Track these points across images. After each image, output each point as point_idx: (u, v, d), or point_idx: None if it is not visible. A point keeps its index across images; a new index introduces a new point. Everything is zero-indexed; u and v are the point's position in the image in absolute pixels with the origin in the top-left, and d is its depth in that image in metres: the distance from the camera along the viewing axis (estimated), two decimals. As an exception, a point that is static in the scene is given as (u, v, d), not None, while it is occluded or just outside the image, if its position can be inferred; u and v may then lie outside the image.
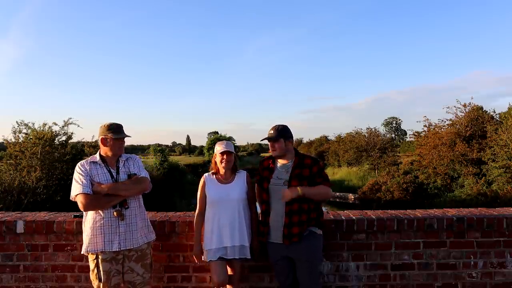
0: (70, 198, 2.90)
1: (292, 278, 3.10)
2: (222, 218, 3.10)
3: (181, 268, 3.34)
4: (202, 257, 3.16)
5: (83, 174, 2.89)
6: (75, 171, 2.94)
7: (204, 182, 3.20)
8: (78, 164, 2.98)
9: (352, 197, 26.89)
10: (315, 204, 3.05)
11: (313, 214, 3.05)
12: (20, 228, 3.30)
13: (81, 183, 2.85)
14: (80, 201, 2.82)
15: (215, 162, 3.22)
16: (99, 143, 3.02)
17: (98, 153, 3.05)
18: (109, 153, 3.02)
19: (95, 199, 2.84)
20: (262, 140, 3.18)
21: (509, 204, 15.56)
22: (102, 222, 2.87)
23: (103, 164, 2.99)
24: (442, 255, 3.41)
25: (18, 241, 3.34)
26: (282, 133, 3.10)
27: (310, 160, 3.10)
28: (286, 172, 3.07)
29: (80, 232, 3.26)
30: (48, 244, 3.34)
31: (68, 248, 3.33)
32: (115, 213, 2.89)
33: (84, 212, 2.93)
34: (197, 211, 3.19)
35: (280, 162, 3.15)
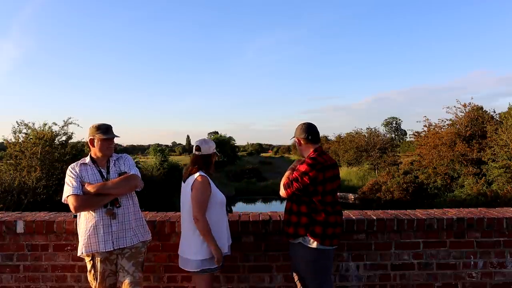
0: (62, 201, 2.90)
1: (301, 283, 3.04)
2: (225, 220, 3.03)
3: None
4: (203, 266, 2.91)
5: (73, 176, 2.90)
6: (66, 175, 2.94)
7: (209, 182, 2.94)
8: (69, 167, 2.98)
9: (352, 197, 26.92)
10: (308, 208, 2.85)
11: (303, 219, 2.86)
12: (20, 228, 3.29)
13: (71, 185, 2.86)
14: (70, 202, 2.81)
15: (213, 162, 3.10)
16: (89, 144, 3.04)
17: (89, 155, 3.07)
18: (99, 154, 3.01)
19: (85, 200, 2.84)
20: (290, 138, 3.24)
21: (509, 204, 15.57)
22: (94, 222, 2.86)
23: (93, 165, 3.00)
24: (442, 255, 3.41)
25: (18, 241, 3.33)
26: (297, 131, 3.08)
27: (301, 161, 2.99)
28: None
29: (80, 232, 3.28)
30: (48, 244, 3.33)
31: (68, 248, 3.33)
32: (107, 212, 2.88)
33: (77, 214, 2.93)
34: (203, 213, 2.85)
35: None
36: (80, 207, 2.83)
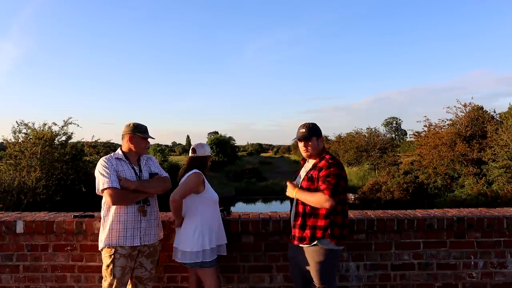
0: (97, 192, 2.92)
1: (301, 285, 3.03)
2: (218, 217, 3.15)
3: (181, 268, 3.32)
4: (197, 258, 3.00)
5: (109, 168, 2.93)
6: (99, 165, 2.95)
7: (203, 180, 3.12)
8: (103, 158, 3.02)
9: (352, 197, 26.87)
10: (328, 210, 2.77)
11: (321, 221, 2.80)
12: (20, 228, 3.29)
13: (109, 177, 2.88)
14: (109, 194, 2.85)
15: (208, 164, 3.26)
16: (126, 140, 3.09)
17: (119, 150, 3.11)
18: (134, 151, 3.10)
19: (124, 195, 2.91)
20: (293, 140, 3.04)
21: (509, 204, 15.56)
22: (125, 217, 2.93)
23: (127, 161, 3.06)
24: (442, 255, 3.40)
25: (18, 241, 3.33)
26: (314, 131, 2.96)
27: (324, 162, 2.88)
28: (305, 171, 2.99)
29: (80, 232, 3.27)
30: (48, 244, 3.33)
31: (68, 248, 3.32)
32: (138, 209, 2.97)
33: (106, 206, 2.94)
34: (183, 197, 3.02)
35: (308, 161, 3.06)
36: (118, 201, 2.89)
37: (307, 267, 2.88)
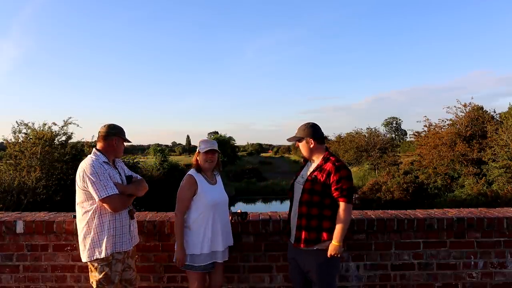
0: (99, 199, 2.76)
1: (301, 286, 3.01)
2: (217, 222, 3.00)
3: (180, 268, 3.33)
4: (187, 262, 2.97)
5: (105, 174, 2.83)
6: (91, 170, 2.77)
7: (195, 181, 2.99)
8: (94, 163, 2.82)
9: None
10: (332, 211, 2.79)
11: (326, 223, 2.79)
12: (20, 228, 3.29)
13: (111, 184, 2.81)
14: (113, 202, 2.78)
15: (204, 160, 3.05)
16: (109, 142, 2.95)
17: (100, 153, 2.94)
18: (113, 154, 3.02)
19: (124, 200, 2.90)
20: (288, 139, 3.06)
21: (509, 204, 15.54)
22: (120, 222, 2.90)
23: (110, 165, 2.98)
24: (442, 255, 3.40)
25: (18, 241, 3.33)
26: (306, 132, 2.94)
27: (331, 165, 2.81)
28: (309, 172, 2.94)
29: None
30: (48, 244, 3.33)
31: (68, 248, 3.32)
32: (129, 212, 2.97)
33: (98, 214, 2.81)
34: (182, 211, 2.96)
35: (311, 161, 3.03)
36: (120, 208, 2.87)
37: (310, 269, 2.86)
